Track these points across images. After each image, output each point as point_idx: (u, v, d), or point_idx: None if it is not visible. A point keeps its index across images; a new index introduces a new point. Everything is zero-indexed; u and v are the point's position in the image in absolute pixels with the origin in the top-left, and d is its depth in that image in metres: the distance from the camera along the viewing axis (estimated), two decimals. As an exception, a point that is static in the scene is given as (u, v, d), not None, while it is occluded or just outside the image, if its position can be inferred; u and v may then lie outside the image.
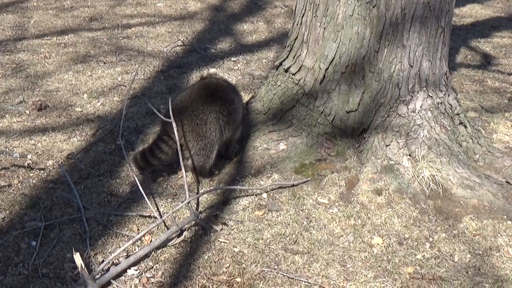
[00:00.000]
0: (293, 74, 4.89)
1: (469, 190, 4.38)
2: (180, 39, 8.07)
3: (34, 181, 4.62)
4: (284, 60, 5.02)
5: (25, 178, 4.66)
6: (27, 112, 5.76)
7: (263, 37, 8.63)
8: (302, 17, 4.81)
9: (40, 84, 6.47)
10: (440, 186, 4.42)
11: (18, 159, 4.81)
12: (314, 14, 4.67)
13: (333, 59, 4.63)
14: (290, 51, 4.97)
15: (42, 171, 4.74)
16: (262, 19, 9.52)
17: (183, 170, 4.26)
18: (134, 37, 8.33)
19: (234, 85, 5.35)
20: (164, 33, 8.58)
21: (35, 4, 9.79)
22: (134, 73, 6.41)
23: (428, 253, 3.94)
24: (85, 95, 6.20)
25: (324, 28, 4.63)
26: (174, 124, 4.23)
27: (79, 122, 5.57)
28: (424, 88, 4.64)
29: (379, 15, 4.43)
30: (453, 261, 3.87)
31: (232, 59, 7.53)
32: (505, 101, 6.43)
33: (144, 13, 9.55)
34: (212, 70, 5.05)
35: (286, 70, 4.96)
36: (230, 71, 7.05)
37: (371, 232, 4.13)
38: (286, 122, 4.92)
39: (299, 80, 4.84)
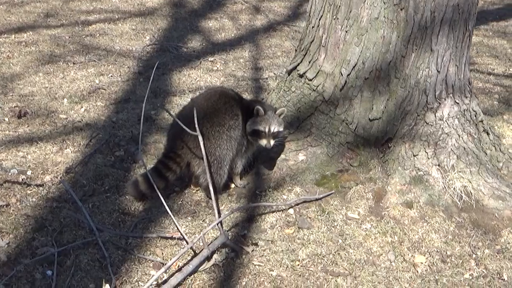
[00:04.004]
0: (310, 80, 4.57)
1: (501, 201, 4.22)
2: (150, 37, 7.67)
3: (34, 199, 4.16)
4: (298, 64, 4.69)
5: (23, 196, 4.18)
6: (6, 119, 5.23)
7: (232, 34, 8.31)
8: (319, 19, 4.50)
9: (12, 88, 5.92)
10: (472, 197, 4.23)
11: (10, 174, 4.33)
12: (334, 17, 4.38)
13: (355, 64, 4.35)
14: (305, 55, 4.65)
15: (40, 188, 4.28)
16: (225, 15, 9.17)
17: (210, 186, 3.89)
18: (98, 34, 7.83)
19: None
20: (128, 30, 8.11)
21: (-19, -2, 9.12)
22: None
23: (476, 272, 3.75)
24: (65, 99, 5.71)
25: (346, 32, 4.35)
26: (200, 138, 3.88)
27: (67, 131, 5.09)
28: (451, 95, 4.42)
29: (407, 18, 4.18)
30: (503, 279, 3.71)
31: (208, 59, 7.18)
32: (495, 102, 6.35)
33: (101, 9, 9.02)
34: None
35: (302, 76, 4.64)
36: (211, 72, 6.71)
37: (411, 250, 3.90)
38: (305, 131, 4.62)
39: (317, 86, 4.54)
